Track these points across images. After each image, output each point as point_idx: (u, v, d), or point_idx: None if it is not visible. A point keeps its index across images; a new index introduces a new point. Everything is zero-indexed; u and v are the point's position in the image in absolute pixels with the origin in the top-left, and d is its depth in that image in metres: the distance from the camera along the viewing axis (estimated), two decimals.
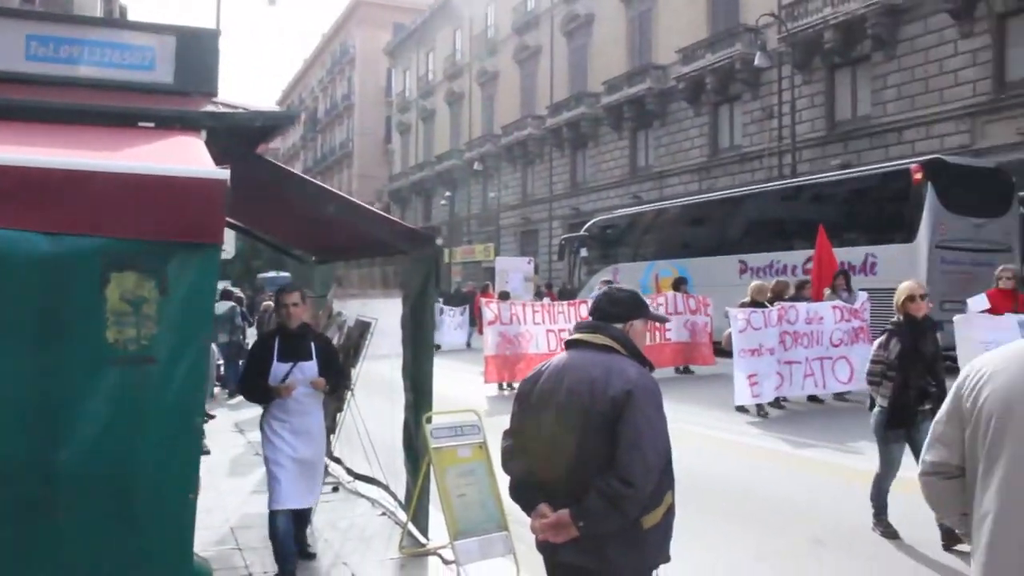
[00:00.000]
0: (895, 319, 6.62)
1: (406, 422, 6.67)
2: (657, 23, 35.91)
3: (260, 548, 6.12)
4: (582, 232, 29.14)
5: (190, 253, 3.31)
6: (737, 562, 6.03)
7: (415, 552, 6.26)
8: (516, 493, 3.38)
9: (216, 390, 14.69)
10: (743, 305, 12.40)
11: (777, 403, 12.44)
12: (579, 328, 3.43)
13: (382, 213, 6.72)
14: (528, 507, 3.26)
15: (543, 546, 3.25)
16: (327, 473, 7.68)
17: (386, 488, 7.56)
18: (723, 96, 32.07)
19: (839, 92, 27.64)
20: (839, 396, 12.95)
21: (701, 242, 22.87)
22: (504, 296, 18.04)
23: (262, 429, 5.80)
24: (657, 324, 15.72)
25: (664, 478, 3.18)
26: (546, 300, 19.41)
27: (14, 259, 3.03)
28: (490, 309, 15.48)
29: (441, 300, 24.51)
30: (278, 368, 5.70)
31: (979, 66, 22.87)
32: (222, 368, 15.39)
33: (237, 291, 18.67)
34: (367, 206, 6.53)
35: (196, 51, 5.00)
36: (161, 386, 3.25)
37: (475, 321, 23.06)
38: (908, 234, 16.46)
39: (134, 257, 3.20)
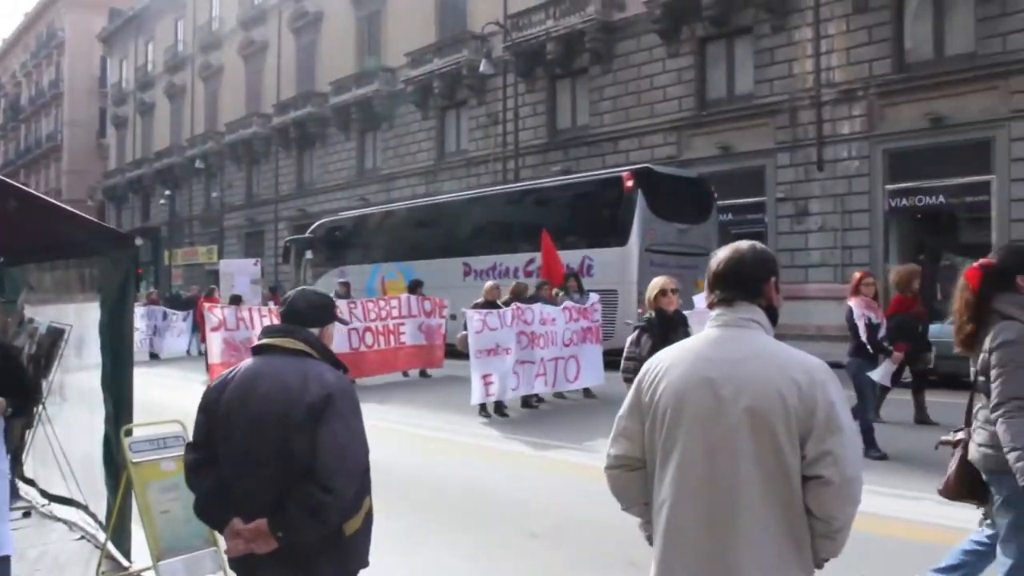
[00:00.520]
0: (646, 315, 6.72)
1: (106, 435, 6.03)
2: (386, 25, 35.91)
3: None
4: (308, 234, 28.48)
5: None
6: (448, 560, 5.94)
7: None
8: (205, 509, 3.16)
9: None
10: (477, 306, 12.36)
11: (528, 402, 12.50)
12: (269, 332, 3.23)
13: (73, 210, 6.02)
14: (219, 523, 3.07)
15: (239, 565, 3.06)
16: (17, 497, 6.83)
17: (85, 509, 6.79)
18: (450, 101, 32.52)
19: (560, 101, 28.82)
20: (587, 393, 13.19)
21: (427, 245, 22.94)
22: (236, 300, 17.06)
23: None
24: (390, 328, 15.74)
25: (363, 483, 3.12)
26: (271, 304, 18.52)
27: None
28: (214, 314, 14.63)
29: (165, 305, 23.09)
30: None
31: (684, 84, 24.64)
32: None
33: None
34: (59, 203, 5.85)
35: None
36: None
37: (197, 327, 21.85)
38: (621, 238, 17.28)
39: None
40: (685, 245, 17.50)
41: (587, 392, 13.22)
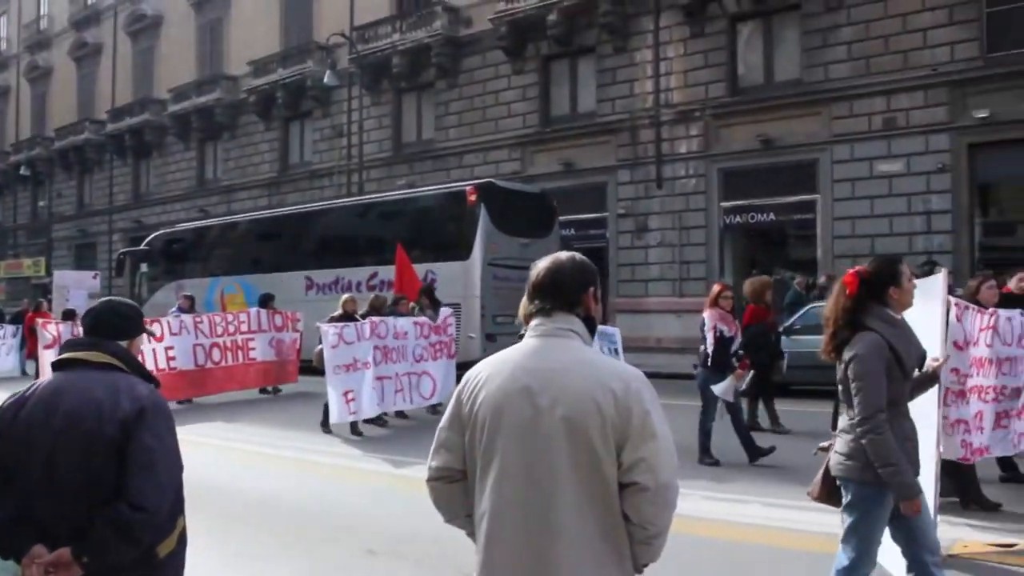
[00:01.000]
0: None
1: None
2: (229, 32, 35.04)
3: None
4: (143, 246, 27.28)
5: None
6: None
7: None
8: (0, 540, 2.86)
9: None
10: (333, 319, 11.99)
11: (379, 420, 12.18)
12: (72, 346, 3.03)
13: None
14: (18, 551, 2.77)
15: None
16: None
17: None
18: (294, 112, 31.99)
19: (406, 115, 28.76)
20: (433, 409, 12.93)
21: (268, 258, 22.36)
22: (69, 315, 16.05)
23: None
24: (239, 343, 15.18)
25: (177, 502, 2.95)
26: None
27: None
28: (48, 331, 13.69)
29: None
30: None
31: (528, 100, 25.02)
32: None
33: None
34: None
35: None
36: None
37: (25, 344, 20.48)
38: (464, 252, 17.28)
39: None
40: (528, 259, 17.42)
41: (434, 409, 13.00)
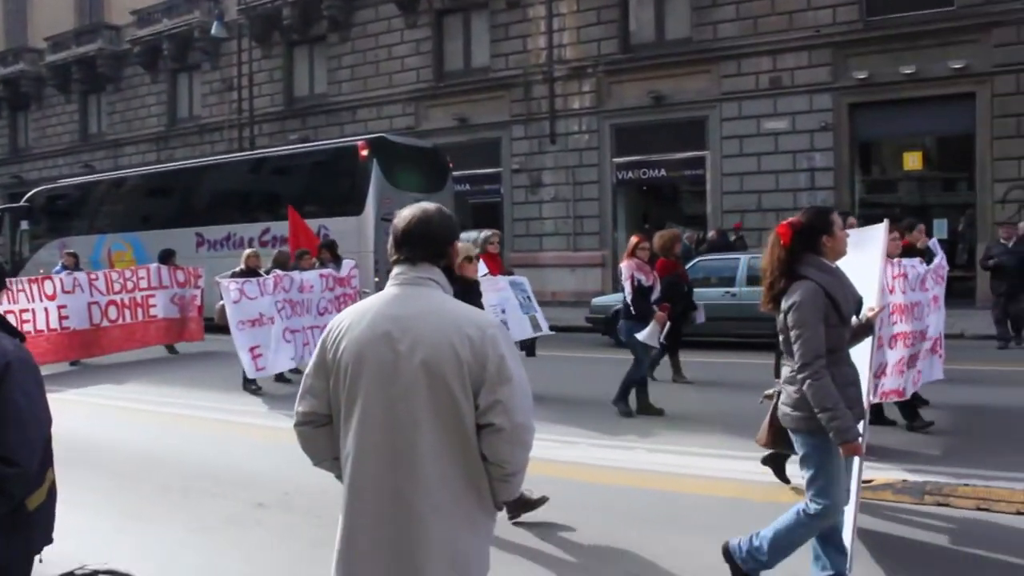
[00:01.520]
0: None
1: None
2: None
3: None
4: (24, 202, 26.24)
5: None
6: (176, 536, 5.79)
7: None
8: None
9: None
10: (236, 274, 11.82)
11: (282, 376, 12.05)
12: None
13: None
14: None
15: None
16: None
17: None
18: (181, 64, 31.00)
19: (297, 69, 28.20)
20: None
21: (156, 215, 21.82)
22: None
23: None
24: (138, 300, 14.78)
25: (45, 455, 2.91)
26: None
27: None
28: None
29: None
30: None
31: (422, 55, 24.83)
32: None
33: None
34: None
35: None
36: None
37: None
38: (357, 207, 17.22)
39: None
40: None
41: None
